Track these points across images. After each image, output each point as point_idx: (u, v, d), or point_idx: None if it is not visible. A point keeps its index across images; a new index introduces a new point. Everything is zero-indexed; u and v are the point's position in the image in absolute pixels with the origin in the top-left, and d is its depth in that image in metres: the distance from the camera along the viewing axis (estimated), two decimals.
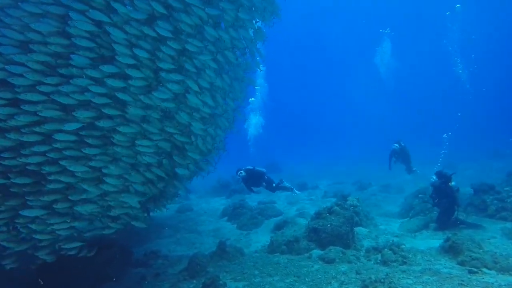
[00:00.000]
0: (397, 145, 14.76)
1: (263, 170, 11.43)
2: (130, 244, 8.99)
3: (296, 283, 6.14)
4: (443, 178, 9.30)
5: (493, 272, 5.97)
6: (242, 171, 11.05)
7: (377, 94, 56.17)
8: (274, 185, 11.37)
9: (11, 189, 4.89)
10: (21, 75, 4.55)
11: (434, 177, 9.46)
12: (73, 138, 4.94)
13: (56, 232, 5.39)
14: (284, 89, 68.03)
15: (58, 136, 4.81)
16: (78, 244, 5.87)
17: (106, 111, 5.11)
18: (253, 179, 11.22)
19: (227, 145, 8.59)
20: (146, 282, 6.97)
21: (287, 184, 11.78)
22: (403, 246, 7.10)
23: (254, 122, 25.53)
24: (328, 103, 76.84)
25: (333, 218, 8.13)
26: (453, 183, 9.19)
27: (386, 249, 6.99)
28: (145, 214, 6.81)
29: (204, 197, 20.31)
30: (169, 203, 11.46)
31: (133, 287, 6.70)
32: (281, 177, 12.55)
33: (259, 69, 8.21)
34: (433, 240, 8.17)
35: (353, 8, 61.89)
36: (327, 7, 62.31)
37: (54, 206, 5.10)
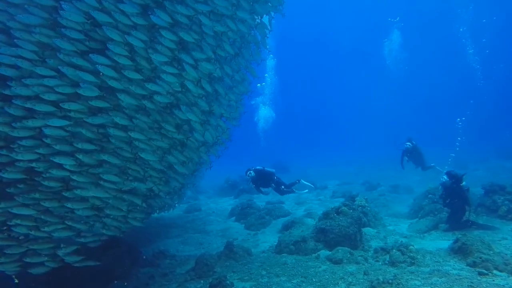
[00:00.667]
0: (409, 143, 14.58)
1: (273, 170, 11.40)
2: (138, 244, 9.07)
3: (303, 284, 6.12)
4: (454, 178, 9.18)
5: (504, 274, 5.86)
6: (251, 171, 11.03)
7: (386, 92, 55.67)
8: (282, 187, 11.31)
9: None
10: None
11: (445, 177, 9.34)
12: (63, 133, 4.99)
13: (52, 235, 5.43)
14: (293, 89, 67.95)
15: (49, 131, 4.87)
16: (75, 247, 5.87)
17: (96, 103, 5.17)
18: (262, 180, 11.19)
19: (236, 144, 8.57)
20: (154, 281, 7.00)
21: (306, 182, 11.72)
22: (412, 247, 7.00)
23: (264, 115, 25.42)
24: (337, 102, 76.51)
25: (341, 218, 8.08)
26: (463, 183, 9.08)
27: (394, 250, 6.92)
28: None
29: (212, 197, 20.41)
30: (178, 204, 11.63)
31: (141, 287, 6.73)
32: (289, 177, 12.45)
33: (258, 61, 8.19)
34: (442, 241, 8.07)
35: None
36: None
37: (49, 206, 5.15)
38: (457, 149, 15.69)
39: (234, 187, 20.79)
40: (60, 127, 5.01)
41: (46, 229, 5.37)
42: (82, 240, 6.01)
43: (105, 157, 5.52)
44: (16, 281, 6.17)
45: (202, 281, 6.69)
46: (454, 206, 9.05)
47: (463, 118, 18.64)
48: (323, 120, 77.92)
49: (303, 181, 12.01)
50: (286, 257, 7.70)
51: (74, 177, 5.33)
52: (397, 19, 38.25)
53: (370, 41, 58.32)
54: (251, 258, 7.96)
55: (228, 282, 6.10)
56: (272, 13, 7.81)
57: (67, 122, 5.01)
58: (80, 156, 5.26)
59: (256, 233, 10.83)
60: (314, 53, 72.28)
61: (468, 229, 8.68)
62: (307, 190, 12.90)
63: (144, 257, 8.29)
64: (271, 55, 25.62)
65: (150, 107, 5.80)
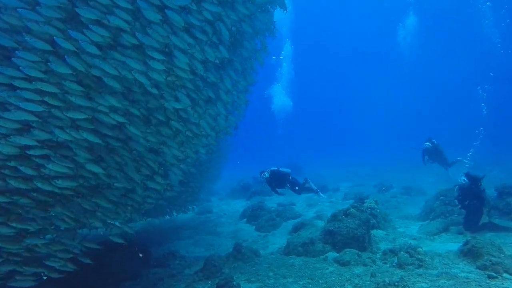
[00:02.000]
0: (428, 143, 14.38)
1: (288, 170, 11.34)
2: (149, 245, 9.23)
3: (310, 285, 6.15)
4: (473, 179, 9.04)
5: None
6: (266, 173, 11.00)
7: (401, 90, 54.72)
8: (297, 188, 11.26)
9: None
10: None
11: (464, 178, 9.20)
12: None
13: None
14: (308, 89, 67.52)
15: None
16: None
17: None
18: (278, 180, 11.13)
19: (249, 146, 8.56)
20: (162, 282, 7.12)
21: (312, 185, 11.62)
22: (420, 249, 6.95)
23: (280, 104, 25.10)
24: (352, 103, 75.78)
25: (349, 220, 8.07)
26: (481, 185, 8.96)
27: (402, 252, 6.87)
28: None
29: (225, 199, 20.54)
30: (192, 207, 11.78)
31: (149, 287, 6.85)
32: (303, 178, 12.37)
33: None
34: (452, 244, 7.98)
35: None
36: None
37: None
38: (469, 153, 15.39)
39: (247, 189, 20.90)
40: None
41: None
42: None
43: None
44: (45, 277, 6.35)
45: (209, 282, 6.78)
46: (472, 208, 8.91)
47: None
48: (337, 121, 77.42)
49: (311, 183, 11.91)
50: (294, 259, 7.74)
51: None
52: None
53: (385, 39, 57.35)
54: (259, 259, 8.01)
55: (234, 283, 6.18)
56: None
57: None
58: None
59: (266, 234, 10.88)
60: (328, 53, 71.81)
61: (487, 231, 8.56)
62: (325, 196, 12.65)
63: (155, 257, 8.43)
64: (288, 41, 25.38)
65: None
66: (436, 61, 57.48)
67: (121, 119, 5.12)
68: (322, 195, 12.19)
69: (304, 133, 67.85)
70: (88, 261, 5.69)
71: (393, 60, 54.04)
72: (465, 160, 14.62)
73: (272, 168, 11.18)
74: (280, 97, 24.67)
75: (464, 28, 49.74)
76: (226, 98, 7.02)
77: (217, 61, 6.27)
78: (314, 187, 11.54)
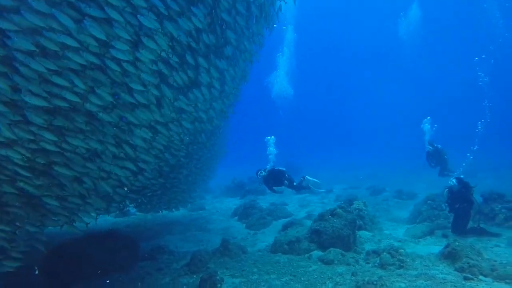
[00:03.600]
0: (430, 147, 14.62)
1: (283, 169, 11.50)
2: (139, 239, 9.35)
3: (292, 282, 6.29)
4: (463, 184, 9.20)
5: (489, 279, 5.93)
6: (262, 171, 11.16)
7: (402, 91, 54.07)
8: (295, 183, 11.38)
9: None
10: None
11: (454, 180, 9.34)
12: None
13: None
14: (308, 84, 67.20)
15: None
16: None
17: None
18: (274, 179, 11.28)
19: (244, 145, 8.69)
20: (150, 275, 7.25)
21: (310, 178, 11.72)
22: (402, 250, 7.11)
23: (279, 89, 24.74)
24: (351, 106, 75.83)
25: (335, 220, 8.22)
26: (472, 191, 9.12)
27: (384, 253, 7.03)
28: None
29: (218, 197, 20.69)
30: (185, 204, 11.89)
31: (137, 279, 6.98)
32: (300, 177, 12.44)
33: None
34: (435, 246, 8.13)
35: None
36: None
37: None
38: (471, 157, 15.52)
39: (241, 188, 21.06)
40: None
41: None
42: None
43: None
44: (37, 272, 6.48)
45: (194, 276, 6.90)
46: (461, 211, 9.05)
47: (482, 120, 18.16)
48: (336, 122, 77.46)
49: (307, 177, 11.99)
50: (279, 256, 7.88)
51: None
52: None
53: (387, 36, 56.71)
54: (246, 256, 8.15)
55: (218, 277, 6.33)
56: None
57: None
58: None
59: (256, 232, 11.02)
60: (331, 52, 71.49)
61: (472, 235, 8.72)
62: (323, 190, 12.70)
63: (144, 251, 8.56)
64: (291, 27, 25.10)
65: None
66: (439, 58, 56.69)
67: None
68: (319, 190, 12.20)
69: (303, 133, 67.94)
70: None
71: (396, 58, 53.58)
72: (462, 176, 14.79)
73: (267, 167, 11.34)
74: (280, 83, 24.35)
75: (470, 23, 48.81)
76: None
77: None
78: (313, 180, 11.63)
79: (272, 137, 11.76)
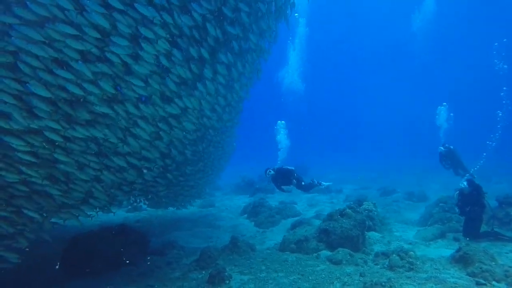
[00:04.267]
0: (441, 148, 14.48)
1: (292, 168, 11.50)
2: (150, 234, 9.45)
3: (299, 281, 6.27)
4: (474, 187, 9.04)
5: (502, 285, 5.83)
6: (271, 170, 11.18)
7: (413, 91, 53.20)
8: (303, 183, 11.37)
9: None
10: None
11: (465, 183, 9.19)
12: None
13: None
14: (318, 92, 67.03)
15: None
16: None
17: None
18: (283, 178, 11.29)
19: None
20: (160, 269, 7.31)
21: (315, 181, 11.70)
22: (412, 252, 7.02)
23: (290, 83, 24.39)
24: (360, 104, 75.23)
25: (344, 220, 8.17)
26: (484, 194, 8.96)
27: (394, 255, 6.96)
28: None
29: (228, 194, 20.75)
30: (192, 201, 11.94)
31: (147, 273, 7.04)
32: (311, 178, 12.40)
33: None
34: (447, 250, 8.02)
35: None
36: None
37: None
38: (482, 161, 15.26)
39: (250, 186, 21.08)
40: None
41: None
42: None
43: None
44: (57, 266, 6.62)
45: (203, 272, 6.94)
46: (472, 214, 8.88)
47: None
48: (347, 122, 76.99)
49: (321, 181, 11.96)
50: (288, 255, 7.86)
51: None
52: None
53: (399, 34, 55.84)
54: (254, 253, 8.16)
55: (226, 274, 6.35)
56: None
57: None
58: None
59: (265, 231, 11.04)
60: (340, 53, 71.01)
61: (486, 239, 8.57)
62: (331, 183, 12.64)
63: (154, 246, 8.63)
64: (303, 20, 24.86)
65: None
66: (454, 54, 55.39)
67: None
68: (325, 183, 12.14)
69: (313, 133, 67.55)
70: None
71: (409, 55, 52.65)
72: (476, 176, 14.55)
73: (276, 166, 11.34)
74: (290, 77, 24.08)
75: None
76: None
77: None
78: (323, 184, 11.60)
79: (283, 122, 11.61)
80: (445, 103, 14.59)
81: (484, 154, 14.16)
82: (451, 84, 57.21)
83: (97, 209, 6.89)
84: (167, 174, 8.35)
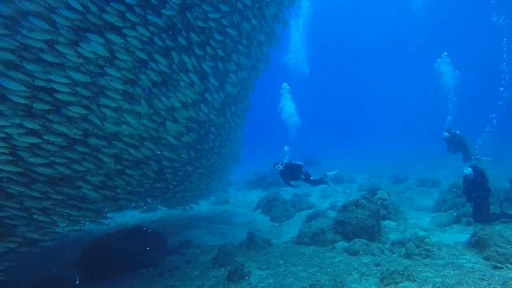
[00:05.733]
0: (446, 133, 14.44)
1: (300, 163, 11.56)
2: (166, 233, 9.61)
3: (318, 273, 6.37)
4: (479, 172, 9.06)
5: None
6: (279, 165, 11.24)
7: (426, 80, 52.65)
8: (312, 178, 11.43)
9: None
10: None
11: (469, 169, 9.21)
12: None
13: None
14: (326, 81, 66.52)
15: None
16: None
17: None
18: (291, 173, 11.37)
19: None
20: (178, 269, 7.46)
21: (329, 173, 11.76)
22: (427, 240, 7.07)
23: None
24: (369, 94, 74.65)
25: (359, 211, 8.24)
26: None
27: (410, 243, 7.02)
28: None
29: (242, 190, 20.88)
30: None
31: (166, 273, 7.19)
32: (320, 170, 12.41)
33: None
34: (462, 235, 8.04)
35: None
36: None
37: None
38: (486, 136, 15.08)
39: (263, 180, 21.17)
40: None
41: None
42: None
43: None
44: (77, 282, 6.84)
45: (222, 269, 7.08)
46: (478, 199, 8.92)
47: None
48: (356, 110, 76.46)
49: (328, 173, 12.02)
50: (304, 248, 7.97)
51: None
52: None
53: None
54: (271, 248, 8.28)
55: (245, 270, 6.48)
56: None
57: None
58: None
59: (280, 225, 11.14)
60: (346, 41, 70.28)
61: (498, 222, 8.57)
62: (337, 171, 12.66)
63: (171, 245, 8.79)
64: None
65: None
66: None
67: None
68: (334, 186, 12.26)
69: (322, 123, 67.29)
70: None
71: (416, 46, 52.09)
72: (483, 158, 14.47)
73: (285, 161, 11.39)
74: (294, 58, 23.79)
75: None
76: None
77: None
78: (328, 175, 11.65)
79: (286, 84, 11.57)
80: (445, 53, 14.28)
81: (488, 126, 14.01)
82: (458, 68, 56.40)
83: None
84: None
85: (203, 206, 14.82)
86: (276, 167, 11.29)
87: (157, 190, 8.31)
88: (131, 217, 13.72)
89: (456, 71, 14.38)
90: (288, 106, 12.42)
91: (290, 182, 11.43)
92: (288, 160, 11.50)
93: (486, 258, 6.29)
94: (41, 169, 5.40)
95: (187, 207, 11.22)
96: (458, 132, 14.47)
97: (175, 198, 9.49)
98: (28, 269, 7.52)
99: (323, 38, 58.44)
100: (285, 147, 12.14)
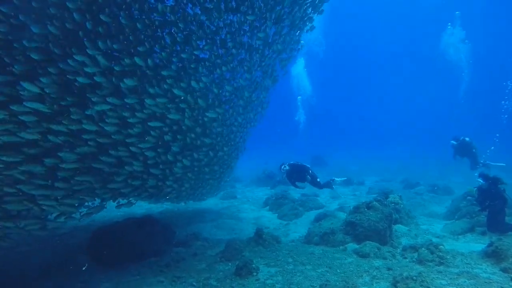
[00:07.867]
0: (453, 141, 14.25)
1: (307, 165, 11.42)
2: (174, 225, 9.51)
3: (327, 274, 6.23)
4: (490, 179, 8.85)
5: None
6: (285, 165, 11.08)
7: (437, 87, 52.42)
8: (318, 180, 11.28)
9: None
10: None
11: (480, 180, 9.02)
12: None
13: None
14: (336, 82, 66.23)
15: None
16: None
17: None
18: (297, 174, 11.20)
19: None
20: (185, 260, 7.36)
21: (338, 179, 11.65)
22: (442, 246, 6.89)
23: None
24: (381, 98, 74.10)
25: (371, 213, 8.06)
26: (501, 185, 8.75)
27: (423, 248, 6.84)
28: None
29: (249, 186, 20.77)
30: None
31: (173, 264, 7.10)
32: (328, 171, 12.31)
33: None
34: (476, 244, 7.85)
35: None
36: None
37: None
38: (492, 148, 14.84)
39: (271, 178, 21.06)
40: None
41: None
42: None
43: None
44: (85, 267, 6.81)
45: (230, 264, 6.97)
46: (493, 208, 8.70)
47: None
48: (366, 116, 75.93)
49: (337, 179, 11.90)
50: (314, 247, 7.84)
51: None
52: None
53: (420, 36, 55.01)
54: (280, 246, 8.15)
55: (254, 265, 6.36)
56: None
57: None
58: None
59: (288, 223, 11.00)
60: (358, 43, 69.94)
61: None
62: (345, 178, 12.50)
63: (178, 237, 8.70)
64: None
65: None
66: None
67: None
68: (337, 179, 12.08)
69: (333, 128, 66.99)
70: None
71: (430, 56, 51.80)
72: (492, 163, 14.23)
73: (291, 162, 11.23)
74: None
75: None
76: None
77: None
78: (336, 181, 11.53)
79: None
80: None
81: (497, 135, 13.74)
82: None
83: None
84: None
85: (210, 200, 14.72)
86: (283, 167, 11.13)
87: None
88: (138, 206, 13.67)
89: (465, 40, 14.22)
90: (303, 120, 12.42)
91: (296, 183, 11.29)
92: (295, 161, 11.34)
93: (504, 270, 6.11)
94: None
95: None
96: (467, 139, 14.26)
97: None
98: (41, 253, 7.52)
99: (335, 39, 57.99)
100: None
